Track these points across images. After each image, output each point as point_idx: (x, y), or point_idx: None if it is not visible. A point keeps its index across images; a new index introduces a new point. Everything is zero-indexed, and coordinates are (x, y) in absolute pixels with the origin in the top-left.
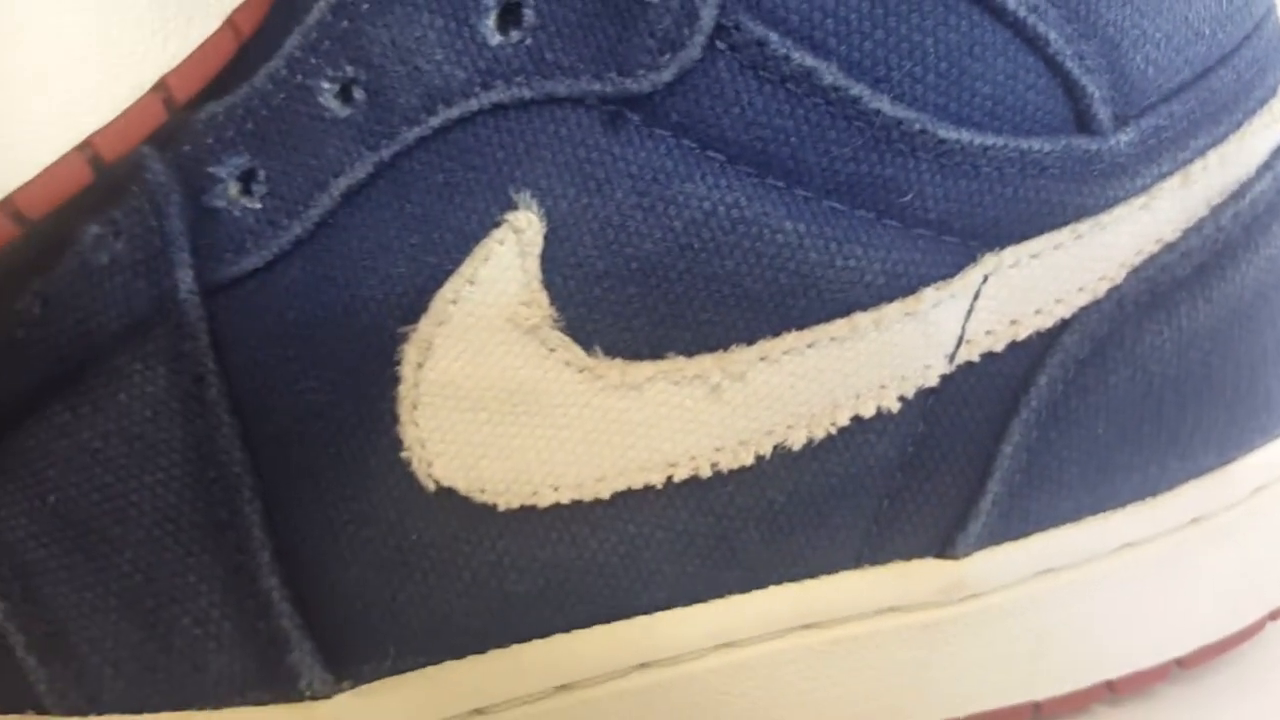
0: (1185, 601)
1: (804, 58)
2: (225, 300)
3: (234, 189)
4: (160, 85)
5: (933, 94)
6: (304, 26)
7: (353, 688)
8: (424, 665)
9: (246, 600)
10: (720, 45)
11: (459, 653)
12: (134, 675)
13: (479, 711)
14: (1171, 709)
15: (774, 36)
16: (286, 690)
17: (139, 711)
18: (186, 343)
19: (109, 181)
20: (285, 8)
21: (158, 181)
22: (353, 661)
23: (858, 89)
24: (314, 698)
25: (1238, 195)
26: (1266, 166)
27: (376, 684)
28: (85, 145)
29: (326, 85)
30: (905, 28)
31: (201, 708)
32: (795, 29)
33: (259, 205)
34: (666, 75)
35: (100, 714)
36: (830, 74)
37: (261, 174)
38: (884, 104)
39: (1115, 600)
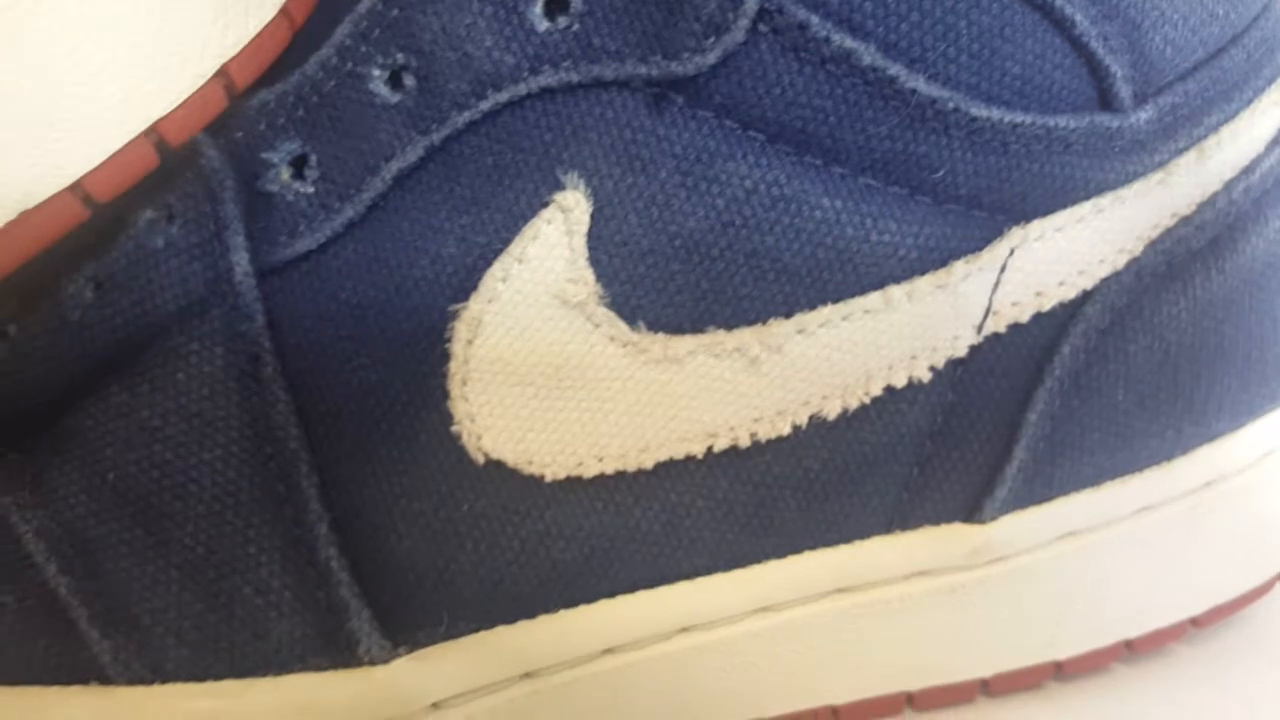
0: (1200, 562)
1: (843, 39)
2: (280, 282)
3: (286, 174)
4: (222, 73)
5: (965, 73)
6: (354, 15)
7: (409, 653)
8: (476, 630)
9: (306, 570)
10: (763, 28)
11: (509, 618)
12: (197, 644)
13: (529, 674)
14: (1186, 666)
15: (815, 19)
16: (346, 656)
17: (202, 679)
18: (243, 323)
19: (161, 166)
20: None
21: (212, 167)
22: (408, 628)
23: (895, 69)
24: (372, 663)
25: (1248, 170)
26: (1276, 142)
27: (431, 649)
28: (152, 130)
29: (377, 72)
30: (940, 10)
31: (263, 674)
32: (835, 12)
33: (311, 189)
34: (710, 58)
35: (164, 683)
36: (869, 55)
37: (313, 159)
38: (919, 83)
39: (1133, 561)
